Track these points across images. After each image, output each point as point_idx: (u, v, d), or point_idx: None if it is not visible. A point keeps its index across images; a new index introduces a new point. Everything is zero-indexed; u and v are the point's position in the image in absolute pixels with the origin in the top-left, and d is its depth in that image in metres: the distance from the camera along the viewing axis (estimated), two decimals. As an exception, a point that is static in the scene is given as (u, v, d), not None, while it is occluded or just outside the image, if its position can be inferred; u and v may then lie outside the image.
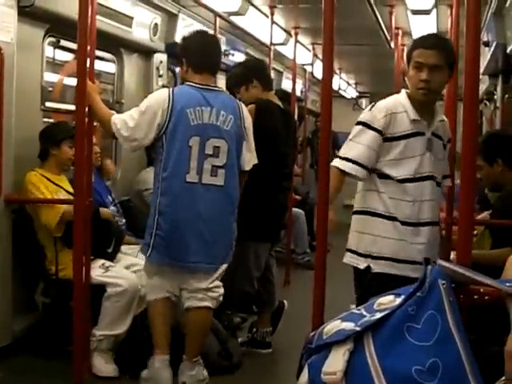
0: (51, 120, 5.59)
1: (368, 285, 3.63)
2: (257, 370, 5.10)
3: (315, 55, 9.74)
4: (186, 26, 6.99)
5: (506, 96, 8.24)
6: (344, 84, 13.88)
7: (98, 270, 4.63)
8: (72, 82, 5.25)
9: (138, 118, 4.20)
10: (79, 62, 4.19)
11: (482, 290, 2.10)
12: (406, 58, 3.67)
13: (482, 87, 9.82)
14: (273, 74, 9.05)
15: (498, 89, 8.76)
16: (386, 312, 2.12)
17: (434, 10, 6.63)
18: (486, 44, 7.50)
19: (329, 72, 2.94)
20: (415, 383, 1.97)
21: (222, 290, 4.44)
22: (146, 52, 6.86)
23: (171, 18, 6.88)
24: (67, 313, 4.36)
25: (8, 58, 4.57)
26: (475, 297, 2.09)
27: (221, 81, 7.55)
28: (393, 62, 8.08)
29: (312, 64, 10.18)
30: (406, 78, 3.71)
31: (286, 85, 10.82)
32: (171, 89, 4.38)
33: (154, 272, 4.33)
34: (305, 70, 11.13)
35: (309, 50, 9.70)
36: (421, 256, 3.53)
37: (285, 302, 5.75)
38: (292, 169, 5.91)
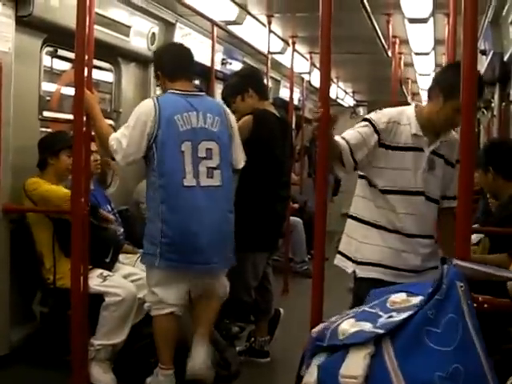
0: (49, 129, 5.59)
1: (356, 289, 3.71)
2: (255, 379, 5.09)
3: (313, 64, 9.76)
4: (183, 35, 7.01)
5: (503, 104, 8.26)
6: (342, 93, 13.90)
7: (96, 280, 4.62)
8: (70, 91, 5.25)
9: (129, 135, 4.26)
10: (77, 71, 4.18)
11: (480, 299, 2.09)
12: (441, 86, 3.54)
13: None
14: (270, 83, 9.07)
15: (496, 97, 8.78)
16: (405, 314, 2.08)
17: (431, 19, 6.64)
18: (483, 52, 7.53)
19: (326, 81, 2.95)
20: None
21: (228, 283, 4.59)
22: (143, 61, 6.86)
23: (169, 27, 6.89)
24: (65, 322, 4.34)
25: (6, 68, 4.58)
26: (474, 305, 2.08)
27: (219, 90, 7.57)
28: (390, 71, 8.08)
29: (309, 73, 10.19)
30: (430, 102, 3.66)
31: (284, 93, 10.84)
32: (155, 98, 4.44)
33: (160, 282, 4.33)
34: (302, 79, 11.13)
35: (306, 59, 9.72)
36: (405, 264, 3.64)
37: (281, 309, 5.74)
38: (290, 177, 5.90)
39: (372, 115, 3.67)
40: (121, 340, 4.60)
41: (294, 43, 8.41)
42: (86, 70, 4.28)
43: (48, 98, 5.70)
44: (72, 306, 4.22)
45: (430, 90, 3.66)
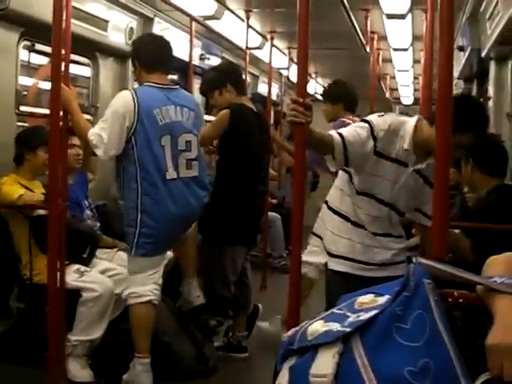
0: (26, 124, 5.56)
1: (327, 278, 3.82)
2: (233, 375, 5.09)
3: (291, 59, 9.76)
4: (161, 30, 6.98)
5: (481, 100, 8.30)
6: (320, 88, 13.91)
7: (73, 275, 4.59)
8: (47, 85, 5.22)
9: (108, 129, 4.30)
10: (54, 65, 4.14)
11: (455, 294, 2.10)
12: None
13: (457, 92, 9.88)
14: (249, 78, 9.07)
15: (473, 93, 8.83)
16: (373, 312, 2.09)
17: (410, 15, 6.67)
18: (461, 49, 7.57)
19: (303, 76, 2.94)
20: None
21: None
22: (121, 56, 6.83)
23: (147, 21, 6.87)
24: (42, 318, 4.32)
25: (-18, 62, 4.55)
26: (449, 299, 2.09)
27: (197, 85, 7.55)
28: (368, 66, 8.10)
29: (288, 68, 10.20)
30: (433, 127, 3.64)
31: (262, 89, 10.84)
32: (133, 91, 4.48)
33: (139, 269, 4.47)
34: (281, 74, 11.14)
35: (285, 54, 9.72)
36: (374, 258, 3.70)
37: (259, 305, 5.75)
38: (267, 173, 5.90)
39: (373, 119, 3.57)
40: (98, 336, 4.59)
41: (272, 38, 8.41)
42: (62, 64, 4.26)
43: (25, 93, 5.67)
44: (49, 302, 4.19)
45: (434, 116, 3.63)
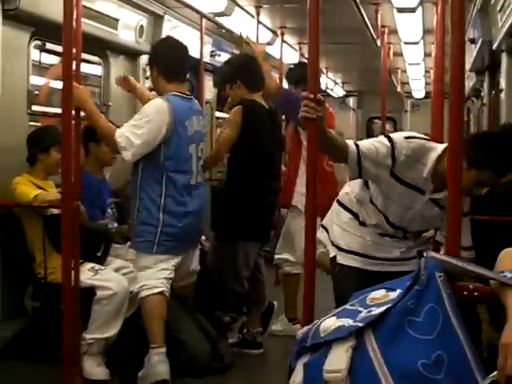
0: (38, 124, 5.57)
1: (336, 274, 3.82)
2: (248, 371, 5.10)
3: (302, 55, 9.74)
4: (171, 28, 6.99)
5: (493, 93, 8.28)
6: (331, 83, 13.89)
7: (87, 273, 4.60)
8: (59, 84, 5.23)
9: (141, 135, 4.42)
10: (65, 64, 4.14)
11: (471, 287, 2.09)
12: (467, 154, 3.18)
13: (469, 84, 9.85)
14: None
15: (485, 85, 8.81)
16: (385, 306, 2.10)
17: (420, 8, 6.64)
18: (472, 41, 7.55)
19: (314, 71, 2.93)
20: (422, 377, 1.95)
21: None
22: (132, 54, 6.85)
23: (157, 19, 6.87)
24: (57, 317, 4.33)
25: (-7, 62, 4.56)
26: (464, 293, 2.08)
27: (208, 82, 7.58)
28: (379, 60, 8.08)
29: (299, 64, 10.17)
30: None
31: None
32: (167, 101, 4.52)
33: (151, 264, 4.57)
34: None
35: (295, 50, 9.70)
36: (385, 255, 3.73)
37: (275, 302, 5.74)
38: (280, 169, 5.88)
39: (398, 140, 3.40)
40: (113, 333, 4.59)
41: (282, 34, 8.41)
42: (74, 63, 4.26)
43: (36, 92, 5.67)
44: (63, 301, 4.20)
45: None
